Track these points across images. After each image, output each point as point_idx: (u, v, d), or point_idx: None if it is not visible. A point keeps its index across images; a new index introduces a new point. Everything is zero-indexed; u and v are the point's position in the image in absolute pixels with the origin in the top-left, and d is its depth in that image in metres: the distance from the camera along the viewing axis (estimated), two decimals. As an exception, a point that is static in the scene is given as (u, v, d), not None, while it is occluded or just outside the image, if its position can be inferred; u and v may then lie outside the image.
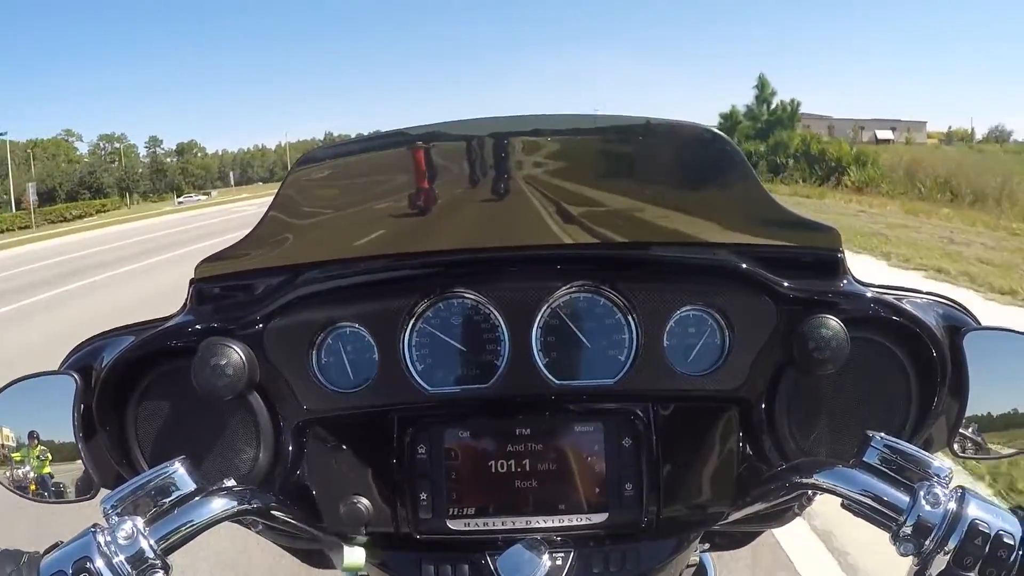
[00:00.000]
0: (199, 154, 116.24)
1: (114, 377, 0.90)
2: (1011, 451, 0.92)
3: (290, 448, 0.92)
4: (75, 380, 0.91)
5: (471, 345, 0.92)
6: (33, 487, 0.95)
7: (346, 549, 0.95)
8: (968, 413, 0.89)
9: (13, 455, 0.94)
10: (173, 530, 0.68)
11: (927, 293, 0.95)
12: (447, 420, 0.90)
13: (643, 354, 0.90)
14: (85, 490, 0.94)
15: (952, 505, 0.63)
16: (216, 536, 0.75)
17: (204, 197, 73.23)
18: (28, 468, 0.94)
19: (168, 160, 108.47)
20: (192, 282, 0.96)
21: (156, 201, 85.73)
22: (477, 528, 0.89)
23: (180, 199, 75.71)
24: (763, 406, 0.90)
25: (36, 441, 0.94)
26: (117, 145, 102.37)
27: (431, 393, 0.90)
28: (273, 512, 0.82)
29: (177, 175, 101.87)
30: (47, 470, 0.94)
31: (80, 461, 0.92)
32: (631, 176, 0.98)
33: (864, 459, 0.70)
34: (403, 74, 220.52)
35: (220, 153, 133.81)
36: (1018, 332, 0.89)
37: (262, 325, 0.91)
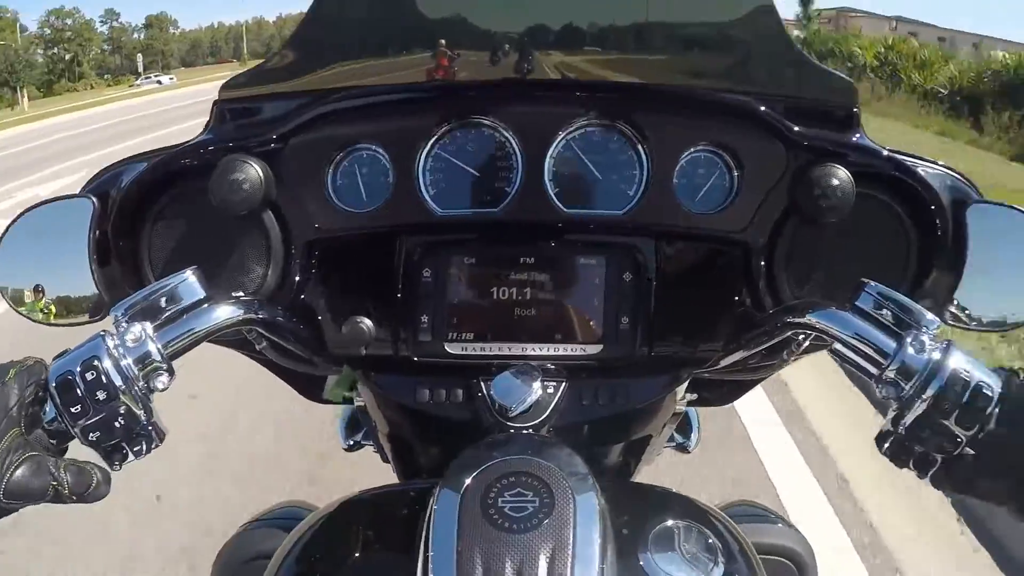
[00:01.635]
0: (171, 29, 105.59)
1: (132, 197, 0.92)
2: (1002, 325, 0.95)
3: (299, 267, 0.94)
4: (93, 203, 0.93)
5: (485, 171, 0.94)
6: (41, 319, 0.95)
7: (330, 378, 1.00)
8: (964, 285, 0.91)
9: (20, 308, 0.98)
10: (180, 335, 0.71)
11: (938, 164, 0.95)
12: (454, 245, 0.93)
13: (652, 189, 0.92)
14: (96, 312, 0.96)
15: (936, 354, 0.66)
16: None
17: (161, 82, 64.47)
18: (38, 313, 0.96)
19: (135, 37, 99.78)
20: (215, 103, 0.97)
21: (112, 85, 79.22)
22: (473, 353, 0.93)
23: (138, 81, 69.29)
24: (764, 251, 0.92)
25: (41, 294, 0.97)
26: (68, 21, 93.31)
27: (441, 215, 0.92)
28: (278, 326, 0.85)
29: (135, 53, 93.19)
30: (53, 320, 0.97)
31: (94, 285, 0.93)
32: (654, 17, 1.00)
33: (856, 303, 0.73)
34: None
35: (202, 28, 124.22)
36: (1020, 209, 0.89)
37: (281, 142, 0.93)
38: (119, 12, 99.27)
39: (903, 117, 16.21)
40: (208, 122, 0.98)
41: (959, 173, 0.96)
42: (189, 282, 0.75)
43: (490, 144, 0.95)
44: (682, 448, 1.34)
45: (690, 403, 1.15)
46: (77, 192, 0.97)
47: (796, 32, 25.42)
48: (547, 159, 0.93)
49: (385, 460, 1.17)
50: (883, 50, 22.14)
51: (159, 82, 63.65)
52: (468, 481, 0.69)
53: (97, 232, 0.94)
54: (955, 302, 0.93)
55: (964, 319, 0.95)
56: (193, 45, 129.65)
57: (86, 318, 0.97)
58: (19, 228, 0.96)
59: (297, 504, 1.25)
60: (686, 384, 0.99)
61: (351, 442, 1.37)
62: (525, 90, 0.98)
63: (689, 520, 0.80)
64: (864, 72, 21.03)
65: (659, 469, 1.27)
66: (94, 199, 0.94)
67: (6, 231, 0.95)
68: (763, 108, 0.91)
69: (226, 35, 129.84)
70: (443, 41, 0.96)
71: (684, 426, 1.31)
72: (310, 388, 1.17)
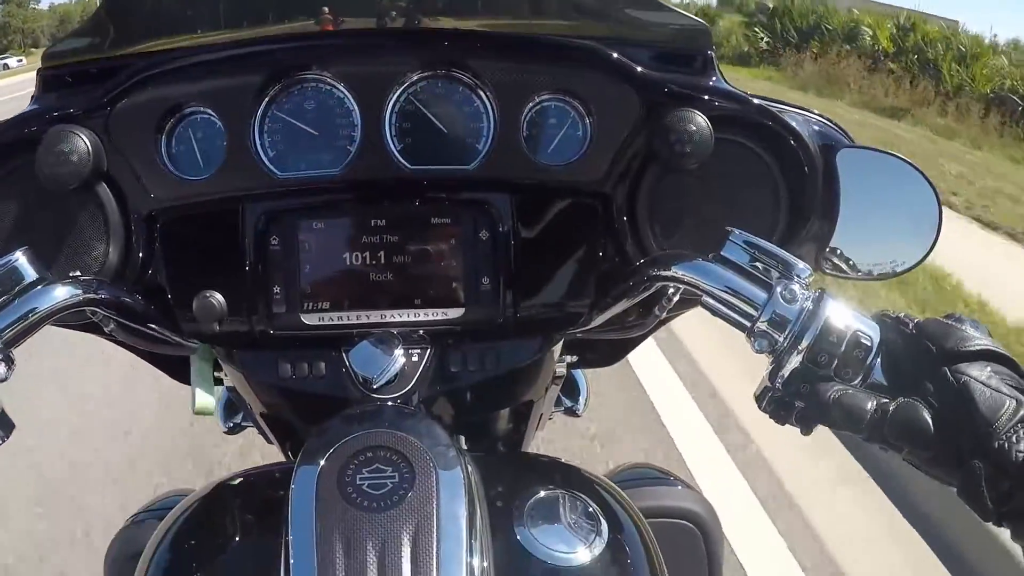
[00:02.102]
0: (32, 5, 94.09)
1: None
2: (877, 272, 0.95)
3: (141, 243, 0.90)
4: None
5: (324, 130, 0.90)
6: None
7: (198, 393, 0.98)
8: (837, 234, 0.90)
9: None
10: (15, 320, 0.68)
11: (806, 110, 0.95)
12: (300, 211, 0.89)
13: (500, 141, 0.89)
14: None
15: (809, 304, 0.65)
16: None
17: (8, 65, 58.44)
18: None
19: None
20: (38, 72, 0.93)
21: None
22: (331, 323, 0.90)
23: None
24: (625, 202, 0.91)
25: None
26: None
27: (280, 178, 0.88)
28: (124, 306, 0.82)
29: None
30: None
31: None
32: None
33: (723, 254, 0.71)
34: None
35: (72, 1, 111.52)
36: (892, 154, 0.90)
37: (108, 109, 0.88)
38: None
39: (963, 136, 11.58)
40: (34, 93, 0.93)
41: (827, 119, 0.95)
42: (21, 263, 0.71)
43: (327, 101, 0.90)
44: (571, 412, 1.33)
45: (572, 365, 1.15)
46: None
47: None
48: (386, 114, 0.89)
49: (268, 441, 1.12)
50: (896, 31, 16.69)
51: (5, 65, 57.57)
52: (324, 460, 0.67)
53: None
54: (833, 250, 0.93)
55: (842, 268, 0.94)
56: (63, 20, 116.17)
57: None
58: None
59: (181, 492, 1.17)
60: (560, 345, 0.97)
61: (231, 424, 1.32)
62: (355, 41, 0.95)
63: (570, 489, 0.80)
64: (879, 60, 15.86)
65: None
66: None
67: None
68: (612, 54, 0.89)
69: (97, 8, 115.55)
70: (326, 8, 0.94)
71: (571, 389, 1.31)
72: (178, 369, 1.11)
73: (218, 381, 1.10)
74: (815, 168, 0.89)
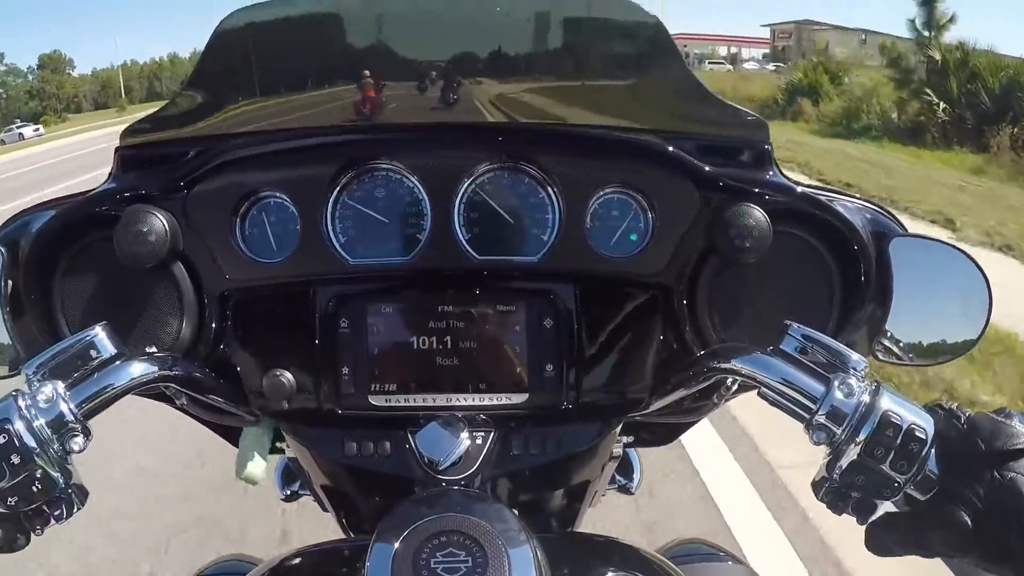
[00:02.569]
0: (68, 70, 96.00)
1: (39, 248, 0.94)
2: (930, 360, 0.97)
3: (214, 320, 0.95)
4: (2, 254, 0.94)
5: (394, 219, 0.96)
6: None
7: (248, 460, 1.01)
8: (890, 321, 0.93)
9: None
10: (93, 394, 0.71)
11: (856, 197, 0.98)
12: (370, 295, 0.95)
13: (566, 233, 0.94)
14: (13, 366, 0.98)
15: (866, 397, 0.67)
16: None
17: (24, 135, 54.29)
18: None
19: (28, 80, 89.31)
20: (117, 150, 0.99)
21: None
22: (398, 404, 0.94)
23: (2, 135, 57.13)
24: (685, 293, 0.95)
25: None
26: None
27: (352, 264, 0.94)
28: (196, 382, 0.86)
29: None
30: None
31: (9, 337, 0.94)
32: (558, 57, 1.02)
33: (781, 347, 0.74)
34: None
35: (114, 67, 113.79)
36: (944, 242, 0.94)
37: (186, 191, 0.94)
38: (2, 52, 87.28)
39: None
40: (111, 170, 0.98)
41: (879, 206, 0.99)
42: (100, 338, 0.75)
43: (398, 190, 0.96)
44: (624, 489, 1.35)
45: (627, 444, 1.17)
46: None
47: (915, 51, 16.70)
48: (456, 205, 0.94)
49: (324, 509, 1.15)
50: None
51: (21, 135, 54.87)
52: (398, 542, 0.70)
53: (9, 283, 0.94)
54: (885, 336, 0.95)
55: (894, 355, 0.96)
56: (104, 85, 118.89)
57: (5, 372, 0.98)
58: None
59: (239, 557, 1.23)
60: (619, 428, 1.00)
61: (288, 492, 1.36)
62: (428, 134, 0.99)
63: (630, 570, 0.83)
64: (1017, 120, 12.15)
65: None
66: (2, 249, 0.94)
67: None
68: (672, 149, 0.93)
69: (139, 74, 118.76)
70: (367, 72, 0.97)
71: (625, 467, 1.32)
72: (234, 434, 1.13)
73: (275, 449, 1.15)
74: (868, 258, 0.92)
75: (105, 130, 36.37)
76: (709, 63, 75.88)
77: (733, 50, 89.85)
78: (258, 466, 1.06)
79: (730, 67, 72.42)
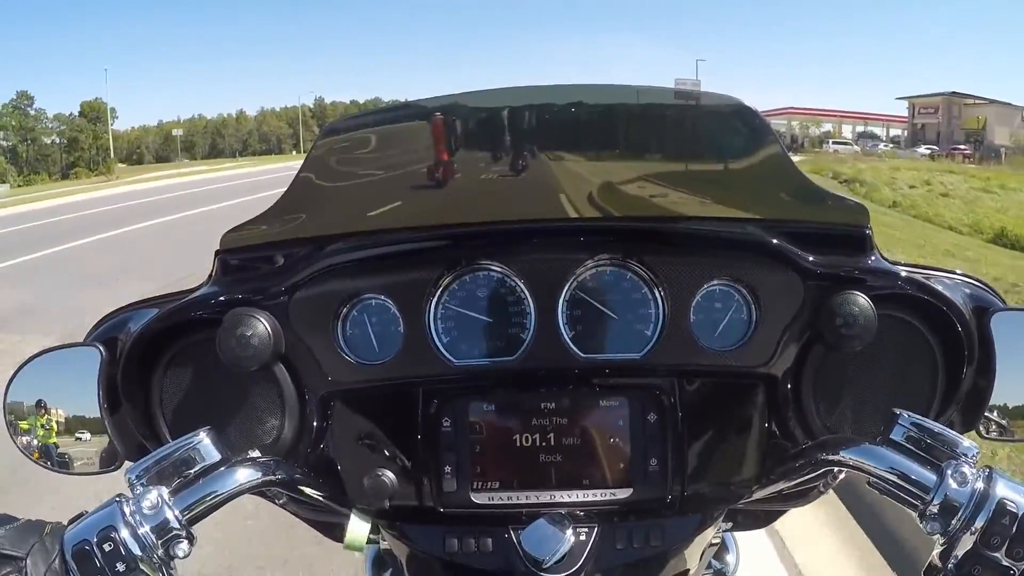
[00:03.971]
0: (111, 122, 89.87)
1: (139, 348, 0.99)
2: None
3: (315, 420, 1.01)
4: (100, 352, 0.99)
5: (497, 318, 1.01)
6: (36, 455, 1.03)
7: (350, 524, 1.03)
8: (995, 394, 0.96)
9: (20, 424, 1.02)
10: (198, 500, 0.75)
11: (955, 273, 1.03)
12: (472, 393, 0.99)
13: (669, 328, 0.98)
14: (110, 462, 1.03)
15: (980, 484, 0.69)
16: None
17: None
18: (32, 437, 1.02)
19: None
20: (217, 253, 1.05)
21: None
22: (501, 502, 0.98)
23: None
24: (789, 383, 0.99)
25: (43, 411, 1.01)
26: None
27: (457, 366, 0.99)
28: (297, 484, 0.91)
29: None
30: (53, 440, 1.02)
31: (106, 433, 1.01)
32: (657, 148, 1.08)
33: (891, 436, 0.77)
34: (402, 45, 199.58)
35: (181, 120, 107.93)
36: None
37: (287, 296, 1.00)
38: (33, 96, 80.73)
39: None
40: (212, 272, 1.06)
41: (979, 280, 1.03)
42: (204, 444, 0.79)
43: (500, 290, 1.01)
44: (720, 574, 1.32)
45: (726, 529, 1.20)
46: (83, 340, 1.04)
47: None
48: (559, 304, 0.99)
49: None
50: None
51: None
52: None
53: (107, 378, 0.99)
54: (990, 412, 0.98)
55: (1000, 430, 0.99)
56: (167, 138, 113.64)
57: (98, 468, 1.04)
58: (25, 376, 1.01)
59: None
60: (721, 517, 1.03)
61: None
62: (530, 234, 1.04)
63: None
64: None
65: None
66: (101, 347, 1.00)
67: (12, 379, 1.01)
68: (775, 241, 0.98)
69: (203, 129, 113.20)
70: (439, 114, 1.02)
71: (721, 551, 1.31)
72: (333, 529, 1.20)
73: (368, 540, 1.20)
74: (971, 334, 0.96)
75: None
76: (833, 143, 60.04)
77: (859, 128, 72.66)
78: (357, 533, 1.09)
79: (856, 148, 56.67)
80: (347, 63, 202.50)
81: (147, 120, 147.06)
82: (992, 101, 60.89)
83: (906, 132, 67.62)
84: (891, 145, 61.79)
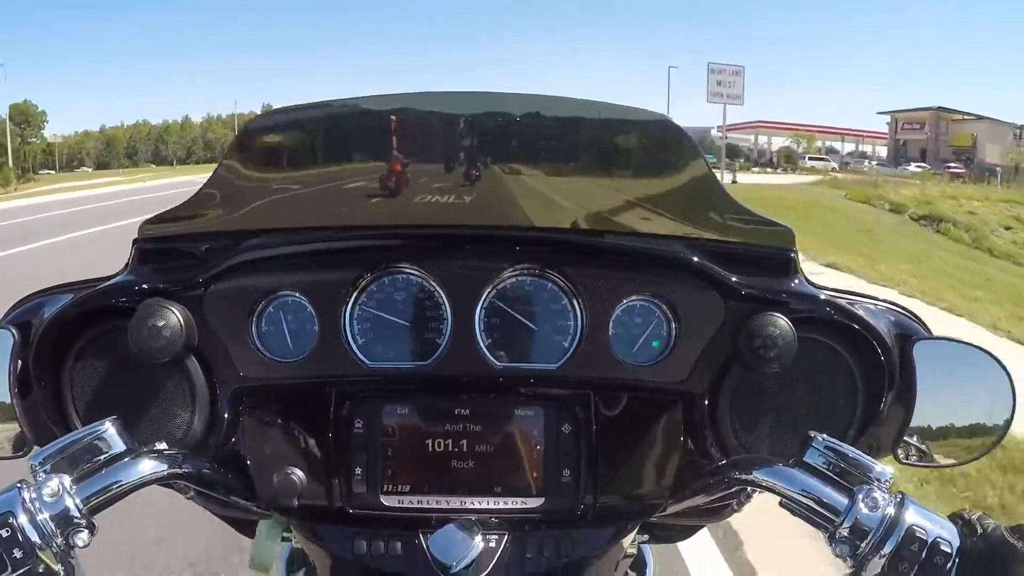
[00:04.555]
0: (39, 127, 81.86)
1: (51, 334, 0.99)
2: (954, 460, 1.02)
3: (226, 415, 1.01)
4: (13, 335, 0.99)
5: (413, 322, 1.02)
6: None
7: (258, 551, 1.08)
8: (914, 421, 0.98)
9: None
10: (100, 489, 0.75)
11: (879, 300, 1.06)
12: (385, 396, 1.00)
13: (587, 341, 0.99)
14: (19, 447, 1.03)
15: (890, 510, 0.71)
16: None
17: None
18: None
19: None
20: (135, 242, 1.05)
21: None
22: (411, 506, 0.98)
23: None
24: (707, 401, 1.00)
25: None
26: None
27: (370, 368, 1.00)
28: (205, 479, 0.91)
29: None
30: None
31: (15, 418, 1.00)
32: (585, 163, 1.10)
33: (804, 459, 0.78)
34: (357, 49, 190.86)
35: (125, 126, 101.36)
36: (967, 343, 1.00)
37: (203, 288, 1.00)
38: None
39: None
40: (128, 261, 1.05)
41: (902, 308, 1.05)
42: (110, 433, 0.78)
43: (418, 294, 1.02)
44: None
45: (643, 542, 1.22)
46: None
47: None
48: (477, 311, 1.00)
49: None
50: None
51: None
52: None
53: (19, 363, 0.98)
54: (909, 437, 1.00)
55: (917, 455, 1.01)
56: (109, 144, 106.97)
57: (9, 452, 1.03)
58: None
59: None
60: (635, 529, 1.05)
61: None
62: (451, 240, 1.04)
63: None
64: None
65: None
66: (13, 330, 0.99)
67: None
68: (696, 259, 1.00)
69: (147, 135, 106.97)
70: (389, 172, 1.04)
71: (638, 564, 1.30)
72: (244, 525, 1.20)
73: (283, 538, 1.20)
74: (892, 361, 0.97)
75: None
76: (809, 159, 55.34)
77: (837, 144, 68.37)
78: (265, 558, 1.12)
79: (834, 166, 52.22)
80: (298, 69, 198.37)
81: (90, 125, 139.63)
82: (981, 117, 57.66)
83: (886, 149, 63.70)
84: (875, 163, 57.72)
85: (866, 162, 59.04)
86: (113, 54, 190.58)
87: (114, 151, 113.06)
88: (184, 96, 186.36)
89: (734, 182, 34.03)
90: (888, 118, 65.59)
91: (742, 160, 60.87)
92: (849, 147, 72.31)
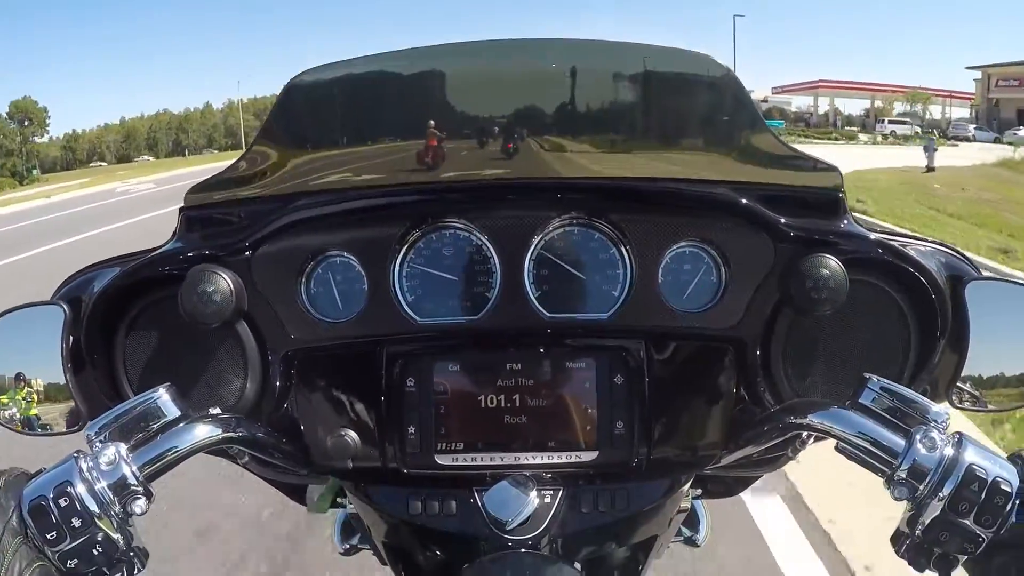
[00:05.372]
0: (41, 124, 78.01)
1: (102, 306, 1.01)
2: (1010, 404, 1.01)
3: (278, 379, 1.04)
4: (64, 311, 1.02)
5: (463, 276, 1.04)
6: (19, 428, 1.06)
7: (312, 488, 1.11)
8: (967, 364, 0.98)
9: (1, 398, 1.05)
10: (156, 456, 0.76)
11: (931, 241, 1.06)
12: (436, 354, 1.03)
13: (637, 289, 1.01)
14: (74, 422, 1.06)
15: (949, 450, 0.71)
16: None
17: None
18: (15, 410, 1.04)
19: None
20: (182, 210, 1.08)
21: None
22: (465, 464, 1.01)
23: None
24: (759, 347, 1.01)
25: (23, 383, 1.03)
26: None
27: (420, 324, 1.02)
28: (259, 442, 0.93)
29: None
30: (34, 411, 1.04)
31: (70, 393, 1.04)
32: (628, 107, 1.10)
33: (860, 401, 0.78)
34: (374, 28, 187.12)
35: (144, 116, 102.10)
36: (1020, 283, 1.00)
37: (250, 252, 1.02)
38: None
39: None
40: (176, 229, 1.08)
41: (953, 249, 1.05)
42: (163, 400, 0.80)
43: (466, 248, 1.04)
44: (691, 542, 1.34)
45: (696, 496, 1.24)
46: (48, 299, 1.07)
47: None
48: (526, 262, 1.02)
49: (383, 563, 1.20)
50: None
51: None
52: None
53: (71, 338, 1.01)
54: (962, 381, 0.99)
55: (971, 400, 1.01)
56: (128, 136, 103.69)
57: (64, 428, 1.07)
58: None
59: None
60: (689, 482, 1.07)
61: (347, 546, 1.36)
62: (497, 192, 1.06)
63: None
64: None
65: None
66: (65, 306, 1.03)
67: None
68: (744, 202, 1.00)
69: (167, 124, 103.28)
70: (432, 122, 1.04)
71: (692, 519, 1.32)
72: (296, 491, 1.24)
73: (335, 504, 1.22)
74: (944, 303, 0.98)
75: None
76: (889, 122, 47.24)
77: (904, 107, 60.25)
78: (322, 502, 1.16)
79: (917, 129, 44.94)
80: (319, 48, 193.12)
81: (110, 118, 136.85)
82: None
83: (969, 110, 55.51)
84: (973, 127, 49.71)
85: (971, 128, 50.81)
86: (133, 46, 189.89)
87: (134, 143, 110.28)
88: (204, 84, 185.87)
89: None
90: (978, 74, 57.68)
91: (787, 124, 52.50)
92: (932, 109, 64.56)
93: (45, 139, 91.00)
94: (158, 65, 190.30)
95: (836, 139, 48.22)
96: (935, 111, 63.47)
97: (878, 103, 66.11)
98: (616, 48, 1.05)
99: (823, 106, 70.04)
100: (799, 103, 75.73)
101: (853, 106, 72.42)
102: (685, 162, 1.05)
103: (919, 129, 50.17)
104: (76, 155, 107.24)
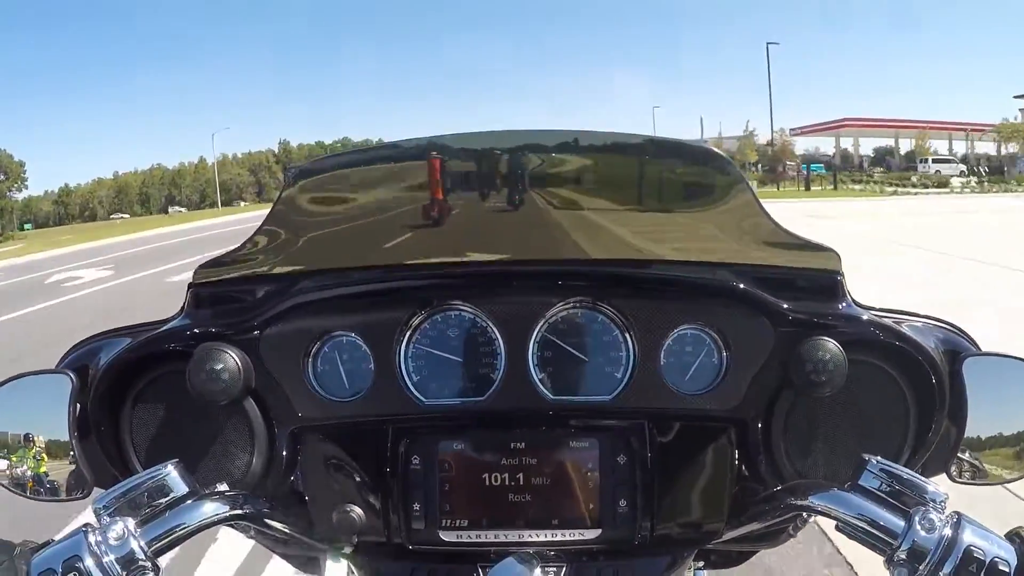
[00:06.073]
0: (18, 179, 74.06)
1: (110, 378, 1.05)
2: (1009, 476, 1.04)
3: (284, 455, 1.08)
4: (71, 379, 1.05)
5: (467, 359, 1.08)
6: (31, 484, 1.09)
7: (329, 565, 1.12)
8: (966, 438, 1.02)
9: (11, 456, 1.07)
10: (164, 532, 0.78)
11: (927, 317, 1.10)
12: (441, 431, 1.07)
13: (640, 372, 1.05)
14: (78, 488, 1.09)
15: (948, 531, 0.73)
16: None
17: None
18: (25, 468, 1.07)
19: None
20: (190, 286, 1.13)
21: None
22: (469, 540, 1.04)
23: None
24: (759, 427, 1.05)
25: (32, 443, 1.06)
26: None
27: (426, 406, 1.07)
28: (265, 518, 0.96)
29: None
30: (43, 469, 1.07)
31: (75, 461, 1.07)
32: (633, 194, 1.14)
33: (860, 482, 0.81)
34: (368, 86, 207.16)
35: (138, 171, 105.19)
36: (1017, 358, 1.03)
37: (259, 331, 1.06)
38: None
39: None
40: (184, 305, 1.13)
41: (950, 324, 1.09)
42: (172, 476, 0.82)
43: (471, 330, 1.08)
44: None
45: (698, 568, 1.25)
46: (54, 367, 1.11)
47: None
48: (530, 345, 1.06)
49: None
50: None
51: None
52: None
53: (78, 406, 1.04)
54: (961, 455, 1.03)
55: (970, 473, 1.04)
56: (120, 191, 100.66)
57: (67, 495, 1.09)
58: None
59: None
60: (691, 557, 1.12)
61: None
62: (502, 275, 1.10)
63: None
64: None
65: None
66: (72, 375, 1.05)
67: None
68: (744, 287, 1.05)
69: (160, 179, 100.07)
70: (434, 153, 1.08)
71: None
72: (305, 563, 1.26)
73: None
74: (942, 380, 1.01)
75: None
76: (933, 161, 42.49)
77: (939, 144, 55.70)
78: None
79: (963, 167, 39.82)
80: (312, 105, 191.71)
81: (102, 173, 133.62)
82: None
83: (995, 145, 51.03)
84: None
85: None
86: (123, 96, 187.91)
87: (126, 198, 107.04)
88: (198, 140, 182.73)
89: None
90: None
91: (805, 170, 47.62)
92: (958, 146, 60.24)
93: (24, 194, 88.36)
94: (157, 122, 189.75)
95: (920, 186, 40.05)
96: (979, 146, 59.17)
97: (911, 140, 62.37)
98: (615, 136, 1.08)
99: (847, 145, 66.12)
100: (806, 145, 72.44)
101: (867, 145, 68.34)
102: (686, 245, 1.09)
103: (963, 168, 45.84)
104: (68, 209, 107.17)
